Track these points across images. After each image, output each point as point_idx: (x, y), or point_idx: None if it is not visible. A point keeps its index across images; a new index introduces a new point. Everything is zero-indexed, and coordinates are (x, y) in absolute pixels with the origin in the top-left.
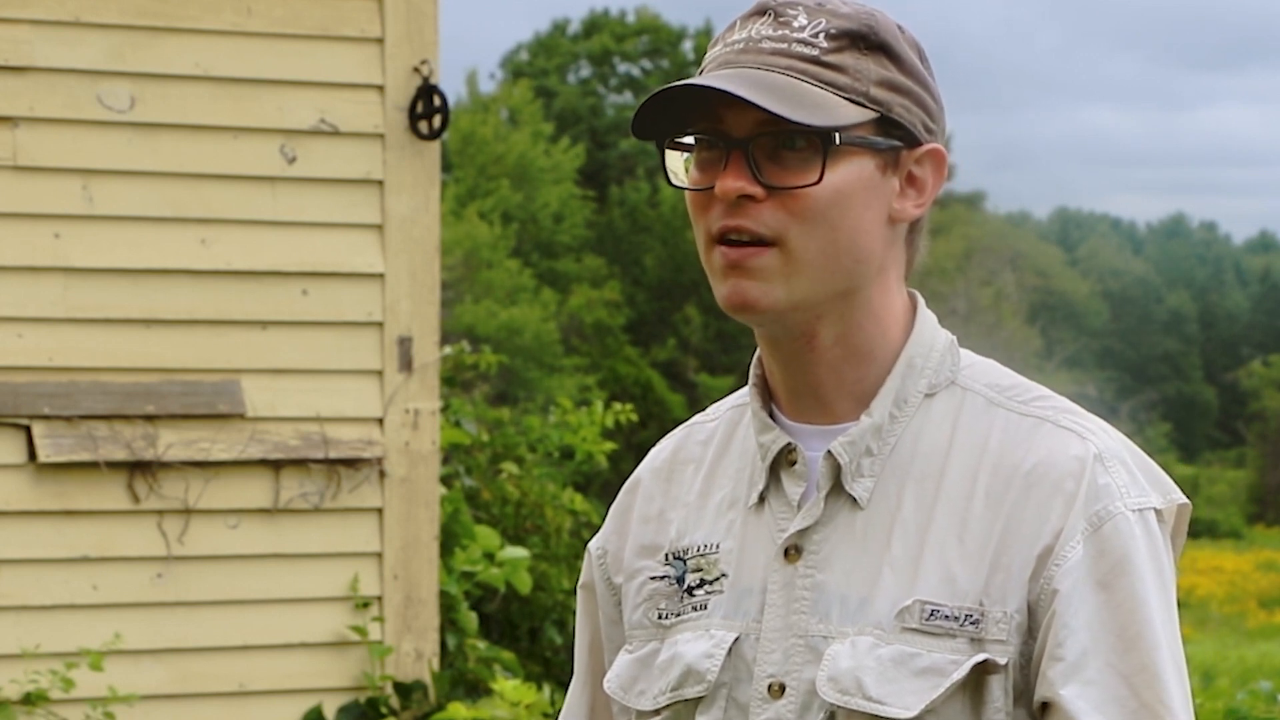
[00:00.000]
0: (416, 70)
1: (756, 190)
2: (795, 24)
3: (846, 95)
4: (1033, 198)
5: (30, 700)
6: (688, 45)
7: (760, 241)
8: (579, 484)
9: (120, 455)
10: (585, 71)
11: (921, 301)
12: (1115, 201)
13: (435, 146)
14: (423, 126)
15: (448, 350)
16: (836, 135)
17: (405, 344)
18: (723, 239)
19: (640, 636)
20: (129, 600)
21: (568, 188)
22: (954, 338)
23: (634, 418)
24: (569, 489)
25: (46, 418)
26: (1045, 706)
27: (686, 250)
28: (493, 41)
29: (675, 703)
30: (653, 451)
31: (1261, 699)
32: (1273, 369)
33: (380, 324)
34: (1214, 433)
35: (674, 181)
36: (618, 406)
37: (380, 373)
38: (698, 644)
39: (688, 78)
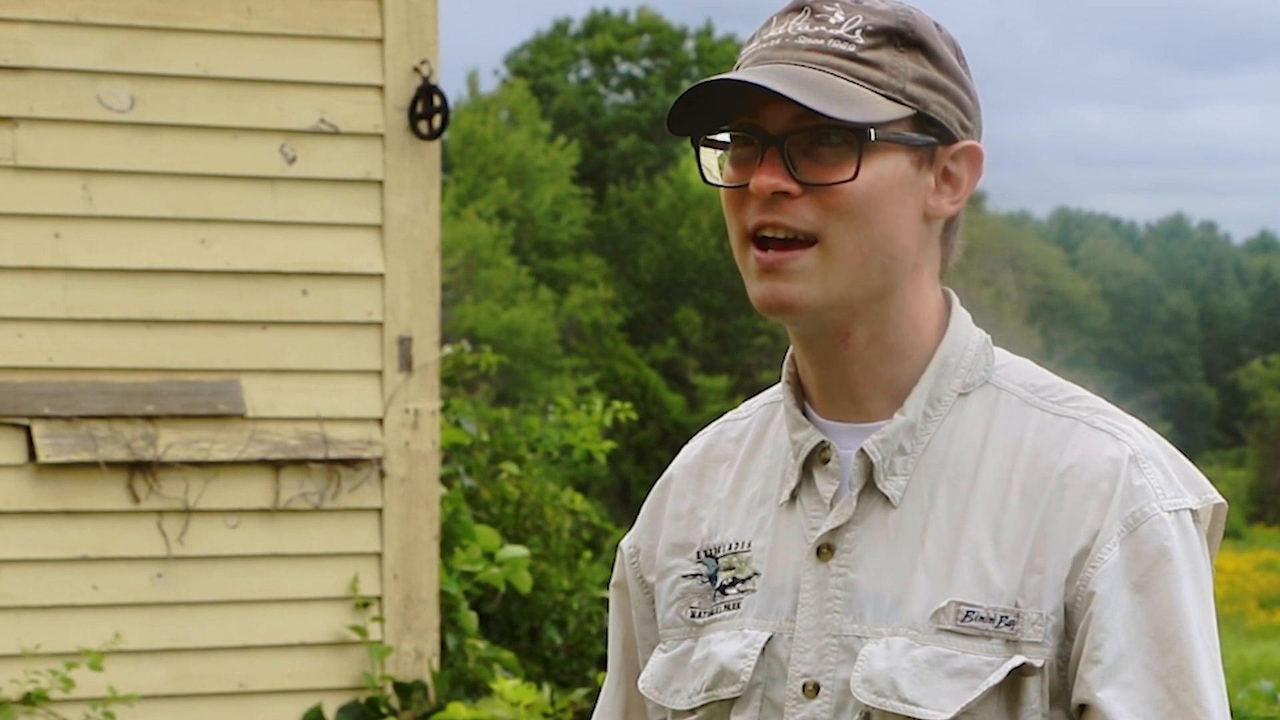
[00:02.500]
0: (416, 70)
1: (791, 186)
2: (832, 20)
3: (883, 92)
4: (1028, 198)
5: (30, 700)
6: (689, 45)
7: (795, 239)
8: (579, 484)
9: (120, 455)
10: (586, 71)
11: (956, 300)
12: (1109, 201)
13: (435, 146)
14: (423, 126)
15: (448, 350)
16: (872, 131)
17: (405, 344)
18: (757, 235)
19: (674, 635)
20: (129, 600)
21: (564, 185)
22: (988, 337)
23: (634, 416)
24: (569, 489)
25: (46, 418)
26: (1083, 709)
27: (685, 250)
28: (493, 41)
29: (710, 702)
30: (685, 449)
31: (1262, 699)
32: (1273, 369)
33: (380, 324)
34: (1214, 433)
35: (709, 179)
36: (617, 405)
37: (380, 373)
38: (731, 644)
39: (719, 74)
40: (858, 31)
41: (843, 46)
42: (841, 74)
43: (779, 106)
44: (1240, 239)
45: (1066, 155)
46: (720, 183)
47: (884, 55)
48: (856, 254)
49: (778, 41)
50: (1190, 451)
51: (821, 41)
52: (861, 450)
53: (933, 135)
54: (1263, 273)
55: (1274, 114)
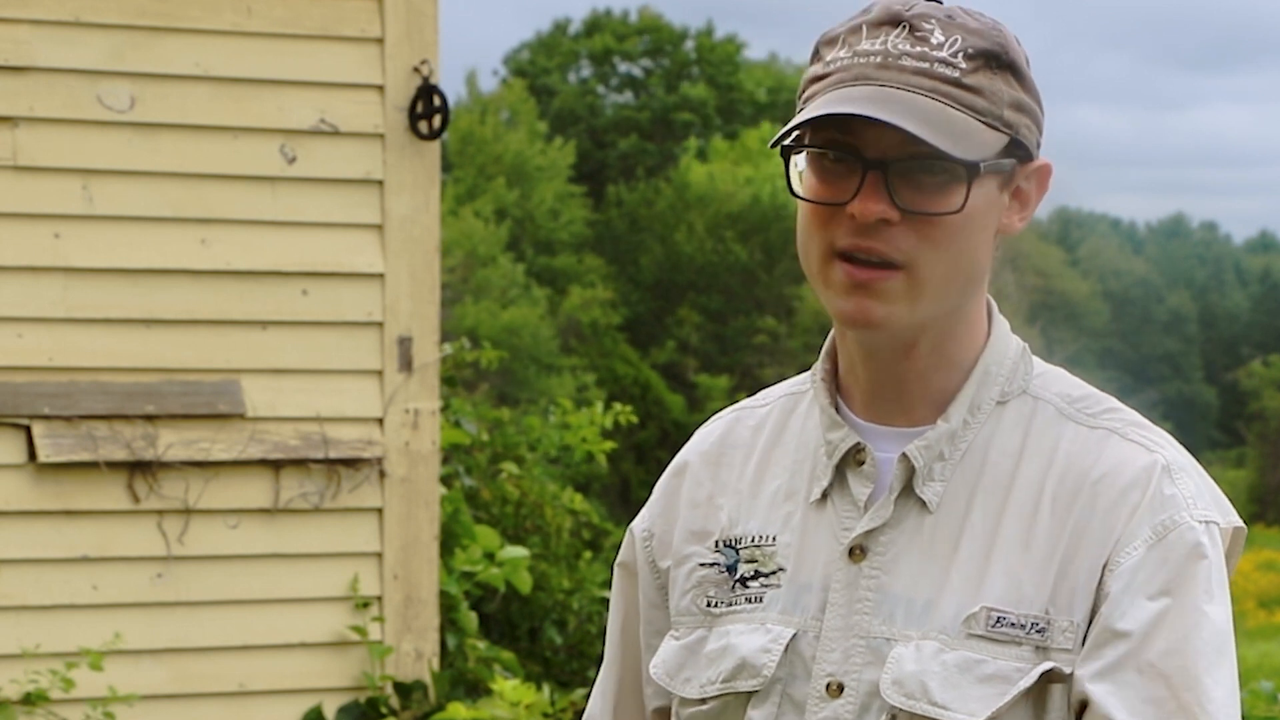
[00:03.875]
0: (416, 70)
1: (894, 214)
2: (933, 40)
3: (985, 120)
4: None
5: (30, 700)
6: (689, 45)
7: (887, 263)
8: (579, 484)
9: (120, 455)
10: (586, 71)
11: (995, 307)
12: (1109, 201)
13: (435, 146)
14: (423, 126)
15: (447, 348)
16: (981, 165)
17: (405, 344)
18: (846, 256)
19: (687, 623)
20: (129, 600)
21: (562, 184)
22: (1026, 345)
23: (634, 419)
24: (569, 489)
25: (46, 418)
26: (1083, 706)
27: (684, 251)
28: (493, 41)
29: (725, 694)
30: (699, 434)
31: (1262, 699)
32: (1273, 369)
33: (380, 324)
34: (1214, 433)
35: (796, 191)
36: (617, 407)
37: (380, 373)
38: (753, 637)
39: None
40: (960, 55)
41: (948, 72)
42: (950, 102)
43: (881, 129)
44: (1240, 239)
45: (1066, 155)
46: (806, 196)
47: (983, 80)
48: (944, 279)
49: (879, 59)
50: (1190, 452)
51: (927, 65)
52: (904, 455)
53: (1017, 156)
54: (1263, 273)
55: (1273, 114)
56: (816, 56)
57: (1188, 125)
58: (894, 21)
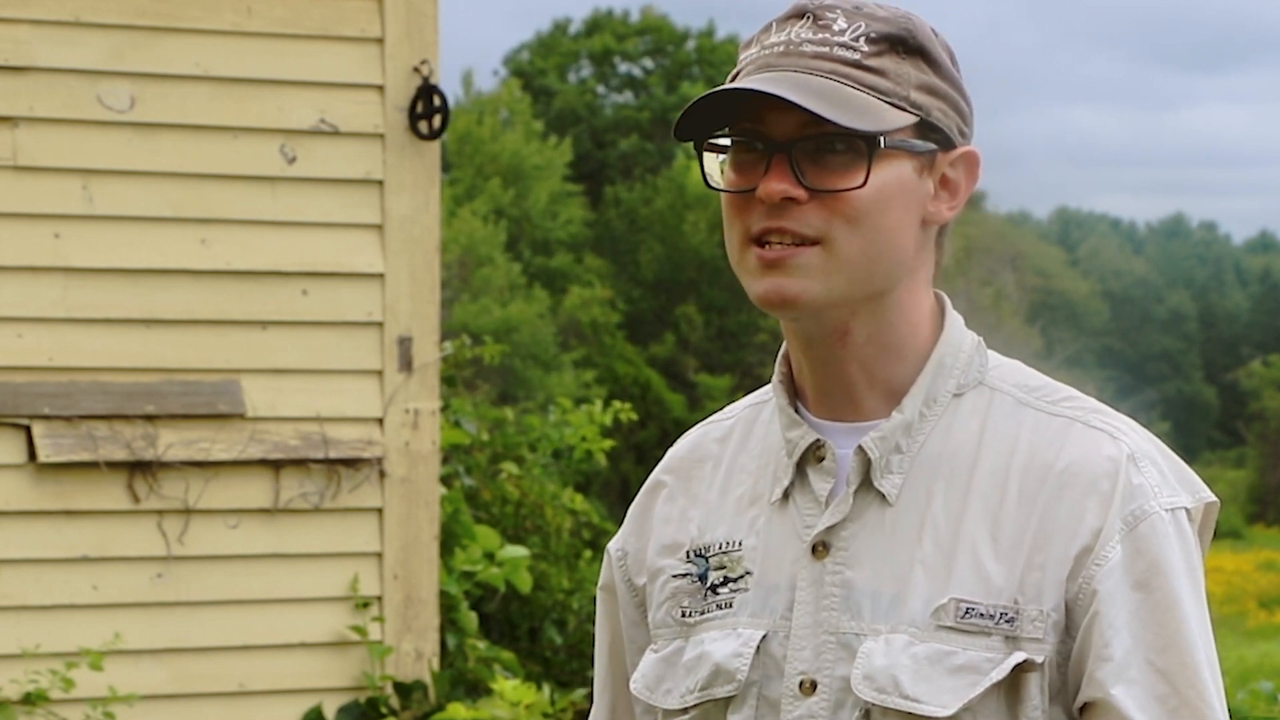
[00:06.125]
0: (416, 70)
1: (800, 193)
2: (835, 27)
3: (888, 99)
4: (1026, 198)
5: (30, 700)
6: (690, 45)
7: (802, 241)
8: (579, 484)
9: (120, 455)
10: (586, 71)
11: (948, 303)
12: (1108, 202)
13: (435, 146)
14: (422, 126)
15: (448, 346)
16: (881, 139)
17: (405, 344)
18: (761, 240)
19: (665, 635)
20: (129, 600)
21: (557, 183)
22: (980, 339)
23: (633, 416)
24: (569, 489)
25: (46, 418)
26: (1089, 706)
27: (683, 249)
28: (492, 41)
29: (704, 702)
30: (670, 452)
31: (1261, 699)
32: (1273, 369)
33: (380, 324)
34: (1214, 433)
35: (711, 183)
36: (616, 404)
37: (380, 373)
38: (725, 643)
39: (724, 79)
40: (861, 39)
41: (848, 54)
42: (849, 82)
43: (785, 113)
44: (1240, 239)
45: (1063, 156)
46: (722, 187)
47: (888, 62)
48: (861, 258)
49: (781, 48)
50: (1190, 451)
51: (827, 49)
52: (859, 448)
53: (934, 142)
54: (1263, 273)
55: (1272, 114)
56: (736, 60)
57: (1187, 125)
58: (799, 14)
